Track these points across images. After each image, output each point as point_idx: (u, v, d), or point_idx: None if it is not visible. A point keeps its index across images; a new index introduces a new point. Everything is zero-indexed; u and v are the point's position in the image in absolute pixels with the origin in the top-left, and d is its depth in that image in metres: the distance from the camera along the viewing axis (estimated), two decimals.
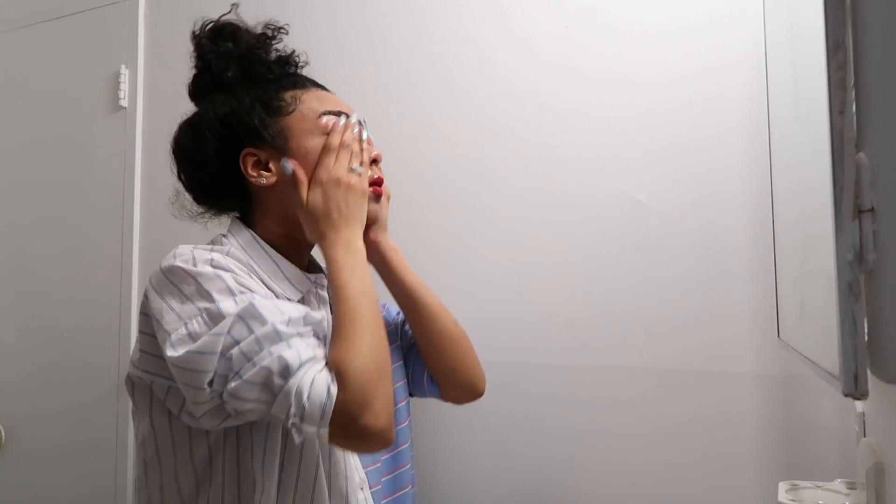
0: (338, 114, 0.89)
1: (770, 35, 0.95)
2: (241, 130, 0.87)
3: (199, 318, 0.73)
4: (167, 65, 1.68)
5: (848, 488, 0.80)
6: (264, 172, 0.88)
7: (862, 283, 0.44)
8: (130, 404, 0.86)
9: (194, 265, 0.76)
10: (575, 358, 1.22)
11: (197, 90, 0.94)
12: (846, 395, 0.44)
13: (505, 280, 1.28)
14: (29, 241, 1.81)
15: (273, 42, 0.93)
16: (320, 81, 0.95)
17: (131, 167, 1.68)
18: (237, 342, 0.71)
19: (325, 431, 0.70)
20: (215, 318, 0.72)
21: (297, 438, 0.74)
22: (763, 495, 1.06)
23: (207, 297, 0.74)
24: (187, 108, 0.94)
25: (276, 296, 0.84)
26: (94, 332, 1.68)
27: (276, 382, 0.70)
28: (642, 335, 1.17)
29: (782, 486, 0.82)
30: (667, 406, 1.15)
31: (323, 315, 0.78)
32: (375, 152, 0.92)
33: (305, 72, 0.97)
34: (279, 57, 0.93)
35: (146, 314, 0.79)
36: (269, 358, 0.70)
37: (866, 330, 0.44)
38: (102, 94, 1.73)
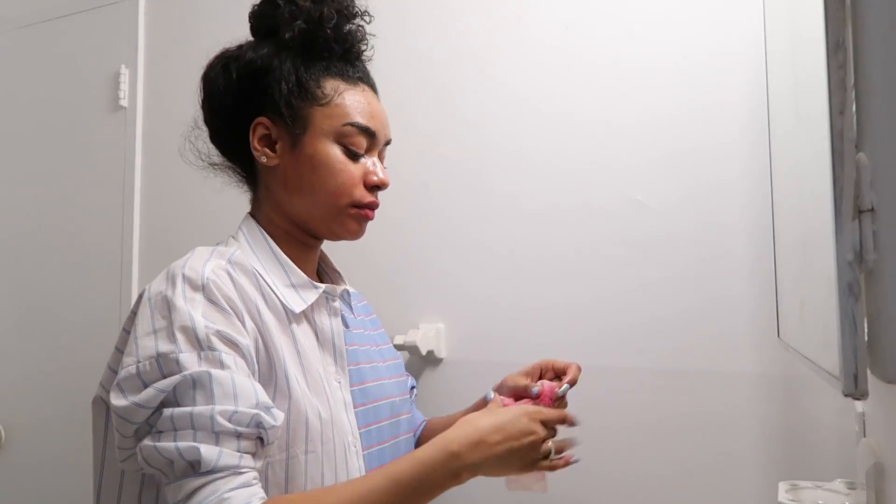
0: (364, 130, 0.81)
1: (770, 36, 0.95)
2: (265, 94, 0.81)
3: (154, 361, 0.67)
4: (167, 65, 1.68)
5: (848, 488, 0.80)
6: (268, 151, 0.81)
7: (862, 283, 0.44)
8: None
9: (182, 292, 0.70)
10: (574, 358, 1.21)
11: (259, 23, 0.85)
12: (846, 395, 0.44)
13: (503, 280, 1.28)
14: (29, 240, 1.81)
15: (352, 23, 0.84)
16: None
17: (131, 167, 1.68)
18: (175, 405, 0.65)
19: None
20: (170, 367, 0.66)
21: None
22: (763, 495, 1.06)
23: (171, 340, 0.67)
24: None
25: (282, 306, 0.78)
26: (93, 333, 1.68)
27: (179, 469, 0.63)
28: (642, 335, 1.17)
29: (782, 486, 0.82)
30: (666, 406, 1.14)
31: (279, 419, 0.68)
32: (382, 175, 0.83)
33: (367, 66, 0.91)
34: (343, 36, 0.83)
35: (128, 331, 0.74)
36: (188, 441, 0.63)
37: (866, 330, 0.44)
38: (102, 94, 1.73)
